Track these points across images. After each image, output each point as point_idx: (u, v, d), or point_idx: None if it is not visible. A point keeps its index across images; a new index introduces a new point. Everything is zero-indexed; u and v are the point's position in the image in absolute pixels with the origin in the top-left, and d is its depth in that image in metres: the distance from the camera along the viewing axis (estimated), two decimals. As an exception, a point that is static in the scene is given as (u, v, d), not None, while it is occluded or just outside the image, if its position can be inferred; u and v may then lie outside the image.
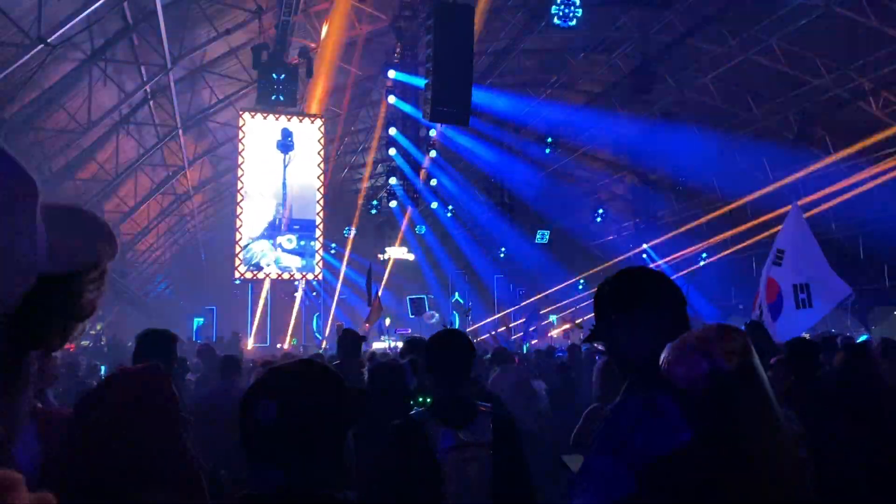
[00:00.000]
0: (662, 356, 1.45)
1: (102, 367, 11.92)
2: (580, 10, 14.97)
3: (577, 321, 23.71)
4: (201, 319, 31.42)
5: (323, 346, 22.86)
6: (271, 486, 1.59)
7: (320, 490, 1.60)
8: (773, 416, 1.31)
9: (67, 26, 11.84)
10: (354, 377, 5.45)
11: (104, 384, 1.98)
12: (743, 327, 5.79)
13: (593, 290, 1.96)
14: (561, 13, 14.95)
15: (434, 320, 24.51)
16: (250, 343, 26.99)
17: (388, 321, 26.11)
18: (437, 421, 2.84)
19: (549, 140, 24.96)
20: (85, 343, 27.00)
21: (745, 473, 1.28)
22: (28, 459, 2.77)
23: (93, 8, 12.16)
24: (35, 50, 11.55)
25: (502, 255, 33.69)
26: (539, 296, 30.07)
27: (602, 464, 1.66)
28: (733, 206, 24.02)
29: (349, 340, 6.01)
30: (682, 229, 26.60)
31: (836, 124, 20.52)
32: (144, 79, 16.91)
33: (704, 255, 27.35)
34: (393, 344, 23.44)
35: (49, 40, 11.46)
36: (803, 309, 6.71)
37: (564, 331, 23.37)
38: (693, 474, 1.34)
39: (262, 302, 26.19)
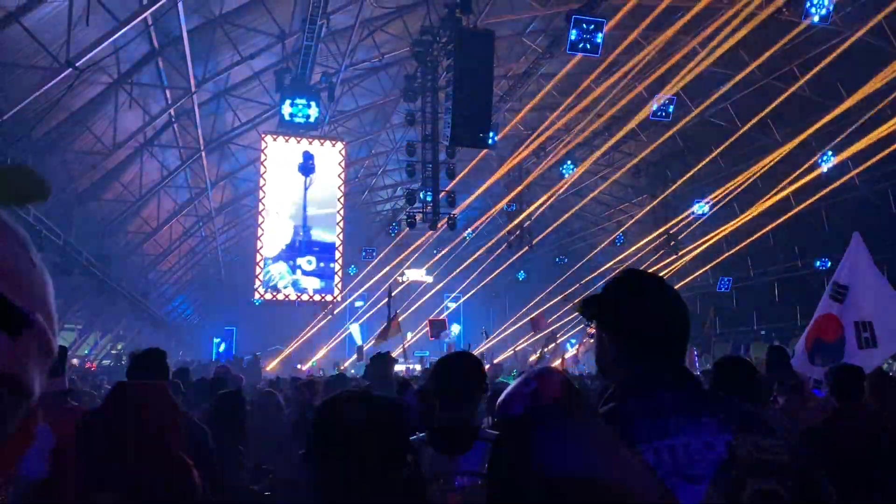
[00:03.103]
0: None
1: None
2: (600, 35, 15.03)
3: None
4: (220, 341, 31.63)
5: (343, 366, 22.88)
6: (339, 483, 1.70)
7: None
8: (579, 455, 1.31)
9: (95, 51, 12.07)
10: None
11: (108, 397, 2.08)
12: (765, 352, 5.70)
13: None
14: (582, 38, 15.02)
15: (450, 339, 24.43)
16: (271, 364, 27.10)
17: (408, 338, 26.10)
18: (431, 446, 2.73)
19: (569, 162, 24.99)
20: (106, 363, 27.26)
21: None
22: (43, 446, 2.91)
23: (120, 33, 12.41)
24: (63, 74, 11.78)
25: (521, 278, 33.63)
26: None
27: None
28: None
29: (380, 364, 6.08)
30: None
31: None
32: (169, 102, 17.19)
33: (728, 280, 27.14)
34: (411, 366, 23.40)
35: (77, 64, 11.68)
36: (867, 349, 6.38)
37: (576, 354, 23.10)
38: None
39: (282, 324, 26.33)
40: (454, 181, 19.15)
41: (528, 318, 25.24)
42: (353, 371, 22.29)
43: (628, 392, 1.58)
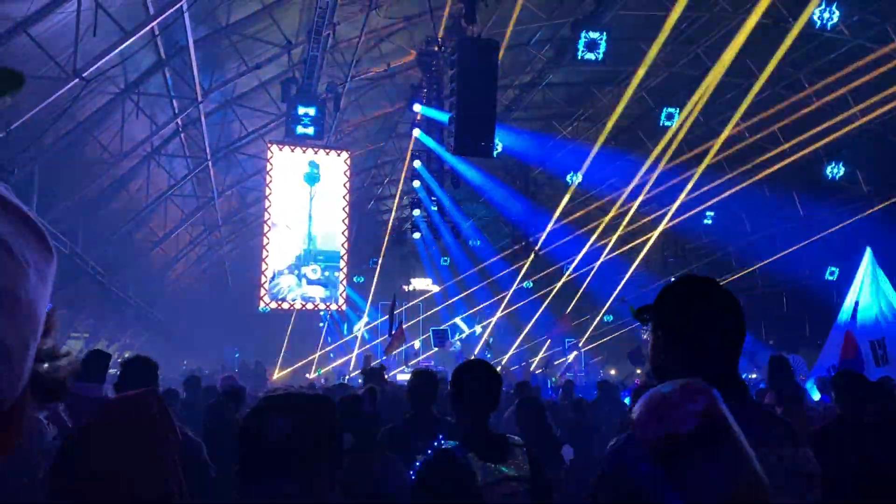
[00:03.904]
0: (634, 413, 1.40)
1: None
2: (604, 44, 15.09)
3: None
4: (235, 350, 31.68)
5: (348, 376, 22.87)
6: (279, 498, 1.65)
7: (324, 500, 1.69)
8: (744, 474, 1.26)
9: (102, 61, 12.17)
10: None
11: (101, 409, 2.07)
12: (768, 362, 5.66)
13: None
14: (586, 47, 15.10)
15: (454, 349, 24.38)
16: (276, 373, 27.13)
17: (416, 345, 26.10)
18: (475, 455, 2.74)
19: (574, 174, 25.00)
20: (112, 371, 27.34)
21: None
22: (58, 429, 2.99)
23: (127, 43, 12.51)
24: (71, 84, 11.88)
25: (529, 286, 33.54)
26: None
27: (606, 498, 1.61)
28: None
29: (374, 377, 6.77)
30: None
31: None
32: (176, 111, 17.30)
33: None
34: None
35: (84, 74, 11.78)
36: (883, 366, 6.27)
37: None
38: None
39: (288, 332, 26.36)
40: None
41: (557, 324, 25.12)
42: (360, 381, 22.27)
43: None
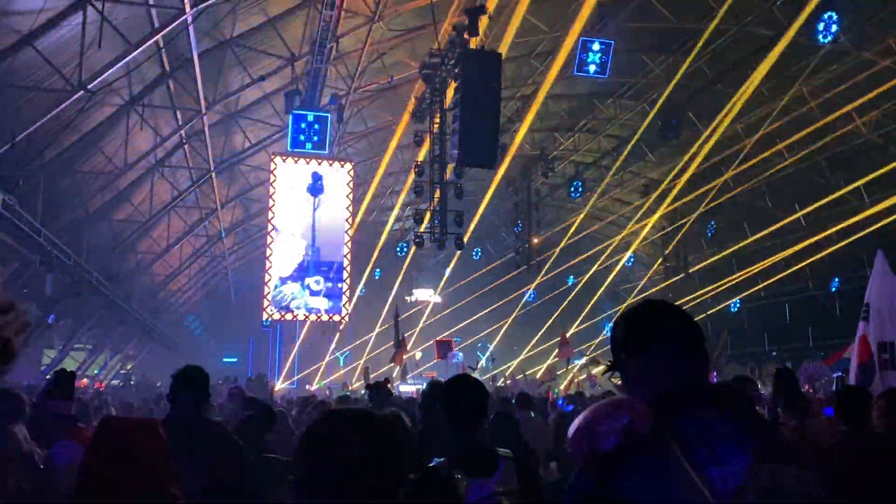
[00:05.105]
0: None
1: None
2: (608, 58, 15.16)
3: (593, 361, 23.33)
4: (234, 359, 31.70)
5: (351, 387, 22.82)
6: None
7: None
8: (675, 488, 1.26)
9: (107, 73, 12.24)
10: None
11: (96, 434, 2.11)
12: (775, 373, 5.62)
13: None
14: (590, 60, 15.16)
15: (457, 360, 24.29)
16: (279, 384, 27.09)
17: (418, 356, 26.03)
18: (461, 471, 2.71)
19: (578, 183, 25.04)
20: (115, 382, 27.31)
21: None
22: (70, 459, 3.04)
23: (132, 56, 12.59)
24: (76, 96, 11.94)
25: (530, 297, 33.53)
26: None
27: None
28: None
29: (380, 390, 6.79)
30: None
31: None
32: (180, 123, 17.37)
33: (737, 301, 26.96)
34: (419, 388, 23.30)
35: (89, 87, 11.85)
36: (887, 370, 6.21)
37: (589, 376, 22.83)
38: None
39: (297, 344, 26.27)
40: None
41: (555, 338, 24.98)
42: (362, 392, 22.24)
43: (672, 411, 1.52)
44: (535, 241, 28.11)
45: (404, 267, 29.28)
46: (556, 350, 20.46)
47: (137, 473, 2.02)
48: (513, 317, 32.24)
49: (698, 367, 1.63)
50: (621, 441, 1.28)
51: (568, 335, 20.83)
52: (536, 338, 32.39)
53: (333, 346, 30.46)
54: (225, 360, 35.35)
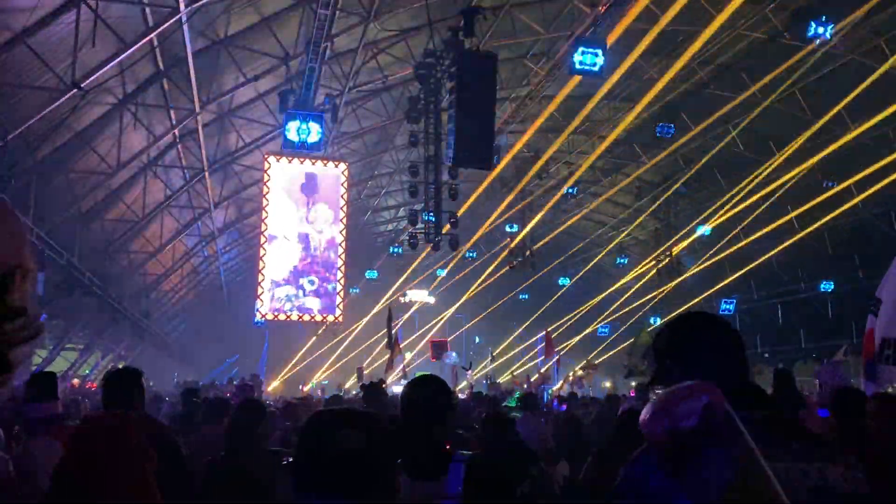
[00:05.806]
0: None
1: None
2: (603, 58, 15.11)
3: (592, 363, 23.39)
4: (230, 359, 31.63)
5: (343, 388, 22.78)
6: None
7: None
8: (749, 470, 1.28)
9: (100, 72, 12.19)
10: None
11: (77, 429, 2.13)
12: (773, 374, 5.65)
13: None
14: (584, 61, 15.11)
15: (451, 361, 24.24)
16: (271, 385, 27.00)
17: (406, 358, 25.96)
18: (405, 472, 2.58)
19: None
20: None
21: None
22: (49, 456, 3.03)
23: (125, 55, 12.54)
24: (69, 94, 11.88)
25: (524, 298, 33.58)
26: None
27: None
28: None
29: (375, 391, 6.69)
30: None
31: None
32: (173, 122, 17.29)
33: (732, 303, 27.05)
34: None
35: (82, 85, 11.79)
36: (888, 366, 6.22)
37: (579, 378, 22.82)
38: None
39: (291, 344, 26.20)
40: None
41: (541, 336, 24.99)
42: (354, 392, 22.22)
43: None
44: (528, 241, 28.14)
45: (400, 268, 29.28)
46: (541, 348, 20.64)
47: (110, 472, 2.02)
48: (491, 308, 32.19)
49: (740, 372, 1.77)
50: (702, 420, 1.31)
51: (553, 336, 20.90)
52: (512, 337, 32.61)
53: (327, 346, 30.40)
54: (217, 360, 35.27)
